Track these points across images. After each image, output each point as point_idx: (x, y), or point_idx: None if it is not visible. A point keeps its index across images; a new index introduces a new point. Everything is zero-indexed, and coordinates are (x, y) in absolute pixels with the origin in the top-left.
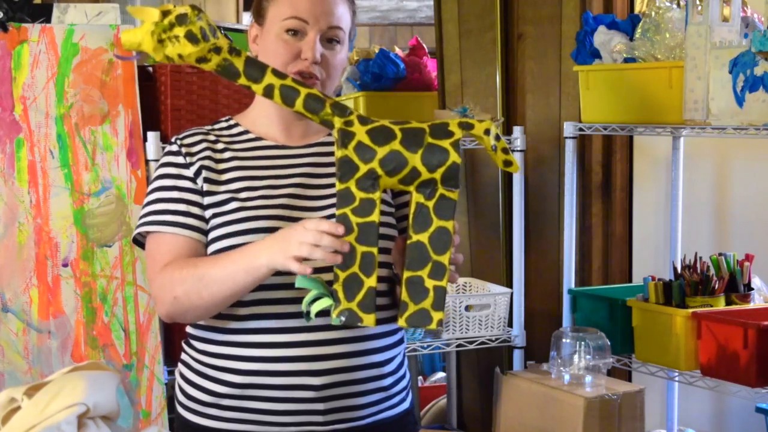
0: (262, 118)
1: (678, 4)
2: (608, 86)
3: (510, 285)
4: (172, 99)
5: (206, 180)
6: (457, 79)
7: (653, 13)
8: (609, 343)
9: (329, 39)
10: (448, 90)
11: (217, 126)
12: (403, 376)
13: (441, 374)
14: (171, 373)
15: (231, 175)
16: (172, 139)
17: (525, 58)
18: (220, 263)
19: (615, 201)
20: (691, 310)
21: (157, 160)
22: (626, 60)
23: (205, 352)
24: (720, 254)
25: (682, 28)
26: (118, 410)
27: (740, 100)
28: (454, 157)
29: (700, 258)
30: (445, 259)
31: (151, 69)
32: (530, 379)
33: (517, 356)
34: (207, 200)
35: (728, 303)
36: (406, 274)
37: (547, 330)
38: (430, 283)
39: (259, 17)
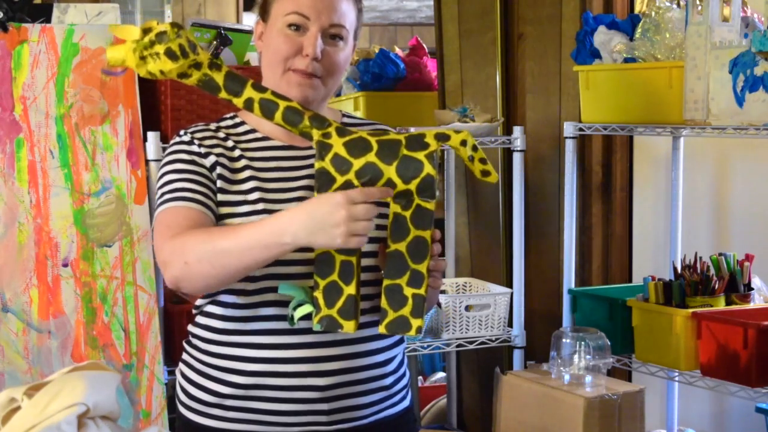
0: None
1: (678, 4)
2: (608, 86)
3: (510, 285)
4: (172, 99)
5: (220, 177)
6: (457, 79)
7: (653, 13)
8: (609, 343)
9: (332, 36)
10: (448, 90)
11: (223, 123)
12: (404, 375)
13: (441, 374)
14: (171, 373)
15: (243, 175)
16: (181, 132)
17: (525, 58)
18: (237, 234)
19: (615, 201)
20: (691, 310)
21: (157, 160)
22: (626, 60)
23: (208, 353)
24: (720, 254)
25: (682, 28)
26: (118, 410)
27: (740, 100)
28: (428, 168)
29: (700, 258)
30: (423, 267)
31: None
32: (530, 379)
33: (517, 356)
34: (219, 197)
35: (728, 303)
36: (386, 282)
37: (547, 330)
38: (408, 291)
39: (264, 14)
